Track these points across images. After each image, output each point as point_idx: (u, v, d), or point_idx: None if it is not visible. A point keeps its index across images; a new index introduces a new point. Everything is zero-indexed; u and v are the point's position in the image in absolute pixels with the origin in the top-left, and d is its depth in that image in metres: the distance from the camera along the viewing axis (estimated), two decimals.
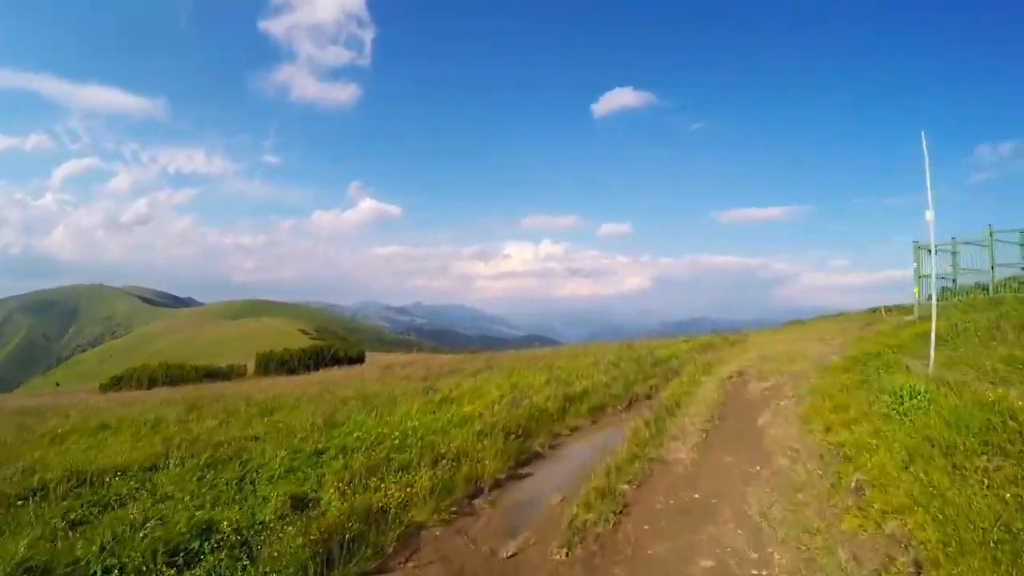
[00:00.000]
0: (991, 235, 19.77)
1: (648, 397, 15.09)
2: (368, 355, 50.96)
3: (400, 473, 8.32)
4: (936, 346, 10.61)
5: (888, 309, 27.25)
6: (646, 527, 6.93)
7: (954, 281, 21.05)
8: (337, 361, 36.34)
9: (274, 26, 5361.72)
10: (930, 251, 13.82)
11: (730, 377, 15.70)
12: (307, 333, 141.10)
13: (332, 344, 41.29)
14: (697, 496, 7.74)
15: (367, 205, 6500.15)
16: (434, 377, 22.23)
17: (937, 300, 12.66)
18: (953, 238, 20.75)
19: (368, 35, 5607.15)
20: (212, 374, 35.48)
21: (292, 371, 32.95)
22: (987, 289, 20.04)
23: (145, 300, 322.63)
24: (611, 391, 15.35)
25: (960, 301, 19.07)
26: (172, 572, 5.59)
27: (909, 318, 20.61)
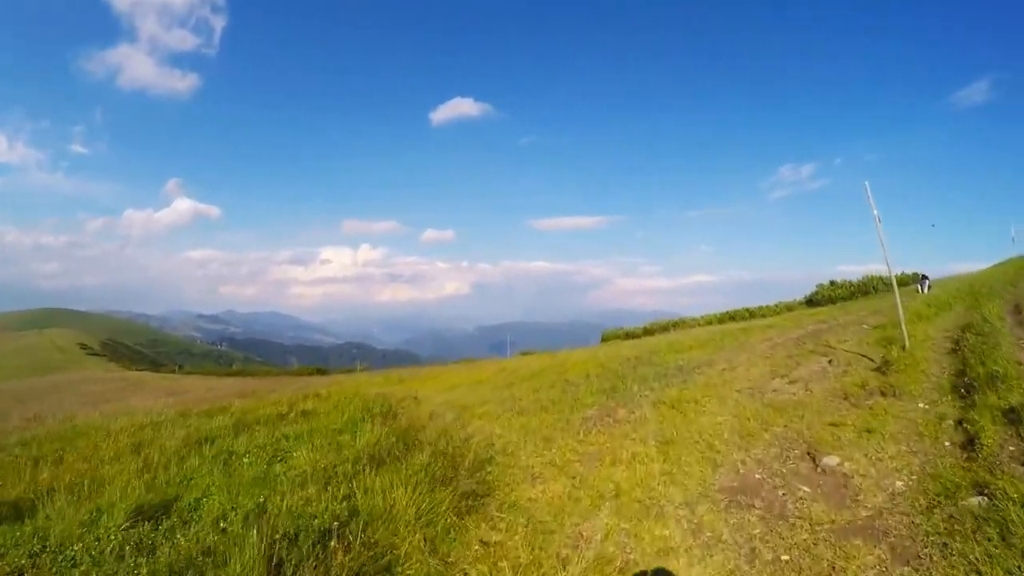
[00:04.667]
0: None
1: None
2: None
3: None
4: None
5: None
6: None
7: None
8: None
9: None
10: None
11: None
12: (86, 347, 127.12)
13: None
14: None
15: (184, 205, 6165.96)
16: None
17: None
18: None
19: (220, 22, 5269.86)
20: None
21: None
22: None
23: None
24: None
25: None
26: None
27: None
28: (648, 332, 39.91)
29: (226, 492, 7.72)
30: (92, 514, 7.01)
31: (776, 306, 39.53)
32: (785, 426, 9.06)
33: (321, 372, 70.41)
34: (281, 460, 9.24)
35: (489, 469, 8.37)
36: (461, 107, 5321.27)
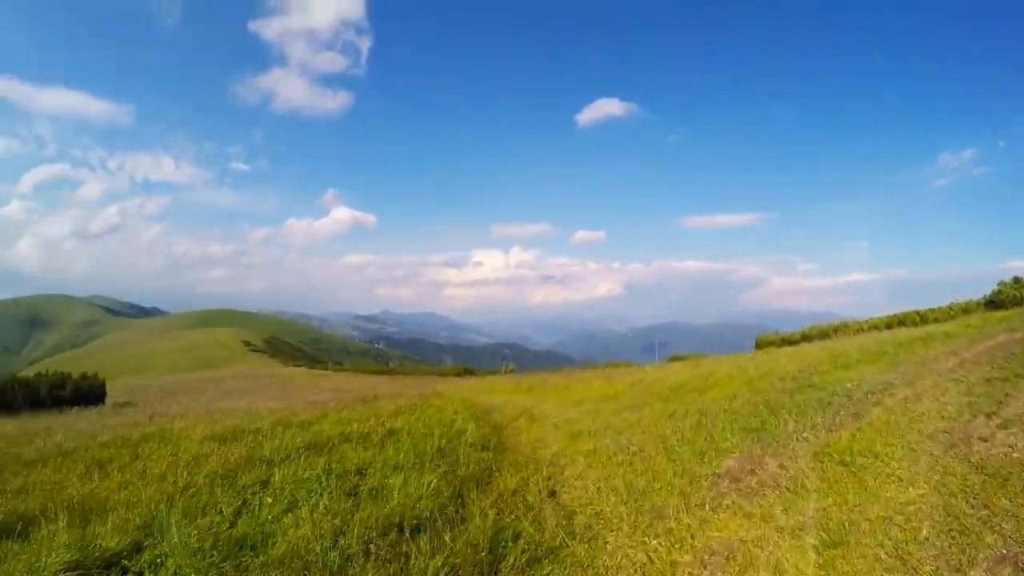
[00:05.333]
0: None
1: None
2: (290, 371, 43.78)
3: None
4: None
5: None
6: None
7: None
8: (78, 397, 26.32)
9: (266, 28, 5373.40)
10: None
11: None
12: (249, 344, 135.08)
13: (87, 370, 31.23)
14: None
15: (342, 214, 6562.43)
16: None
17: None
18: None
19: (365, 43, 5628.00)
20: None
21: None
22: None
23: (108, 310, 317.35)
24: None
25: None
26: None
27: None
28: (806, 338, 35.77)
29: (186, 556, 6.07)
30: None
31: (950, 308, 33.88)
32: (1015, 515, 5.43)
33: (469, 372, 70.24)
34: (290, 510, 7.43)
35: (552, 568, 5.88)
36: (607, 107, 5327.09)
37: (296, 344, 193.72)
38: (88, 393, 27.42)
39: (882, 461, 7.09)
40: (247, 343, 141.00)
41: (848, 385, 11.39)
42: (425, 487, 8.07)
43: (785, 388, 12.43)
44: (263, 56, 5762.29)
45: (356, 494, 8.09)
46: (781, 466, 7.52)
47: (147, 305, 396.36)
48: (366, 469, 9.45)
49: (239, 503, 7.88)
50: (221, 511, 7.52)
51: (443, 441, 11.77)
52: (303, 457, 10.35)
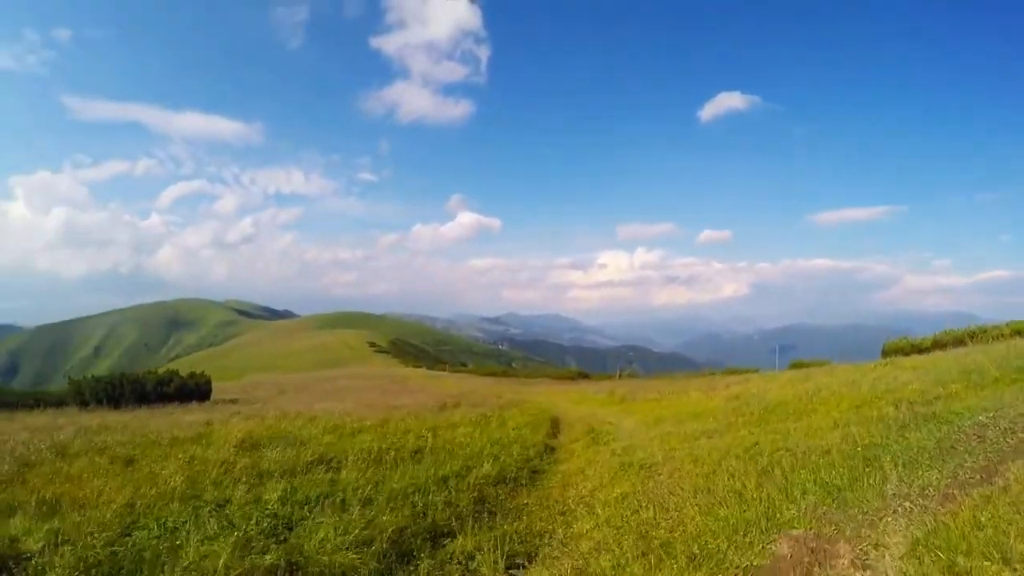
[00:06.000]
0: None
1: None
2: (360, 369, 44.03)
3: None
4: None
5: None
6: None
7: None
8: (183, 394, 26.44)
9: (387, 44, 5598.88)
10: None
11: None
12: (374, 345, 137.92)
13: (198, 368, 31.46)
14: None
15: (467, 218, 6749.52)
16: None
17: None
18: None
19: (484, 52, 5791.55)
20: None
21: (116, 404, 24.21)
22: None
23: (242, 313, 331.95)
24: None
25: None
26: None
27: None
28: (938, 344, 31.55)
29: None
30: None
31: None
32: None
33: (583, 375, 68.22)
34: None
35: None
36: (729, 101, 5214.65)
37: (420, 345, 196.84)
38: (194, 390, 27.64)
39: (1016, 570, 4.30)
40: (372, 344, 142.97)
41: (981, 418, 8.60)
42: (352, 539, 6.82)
43: (898, 419, 9.72)
44: (386, 70, 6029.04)
45: (275, 534, 7.18)
46: (858, 562, 4.95)
47: (279, 308, 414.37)
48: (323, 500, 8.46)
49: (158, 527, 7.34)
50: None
51: (460, 466, 10.89)
52: (305, 473, 10.26)
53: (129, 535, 7.02)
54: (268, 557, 6.29)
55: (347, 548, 6.58)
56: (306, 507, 8.19)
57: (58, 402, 24.16)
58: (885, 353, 35.44)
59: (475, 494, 9.30)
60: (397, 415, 18.30)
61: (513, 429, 15.85)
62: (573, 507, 8.59)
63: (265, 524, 7.37)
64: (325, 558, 6.30)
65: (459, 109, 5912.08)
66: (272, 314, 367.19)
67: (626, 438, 13.96)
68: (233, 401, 28.07)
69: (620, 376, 54.22)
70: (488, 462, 11.17)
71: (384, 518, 7.59)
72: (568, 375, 69.51)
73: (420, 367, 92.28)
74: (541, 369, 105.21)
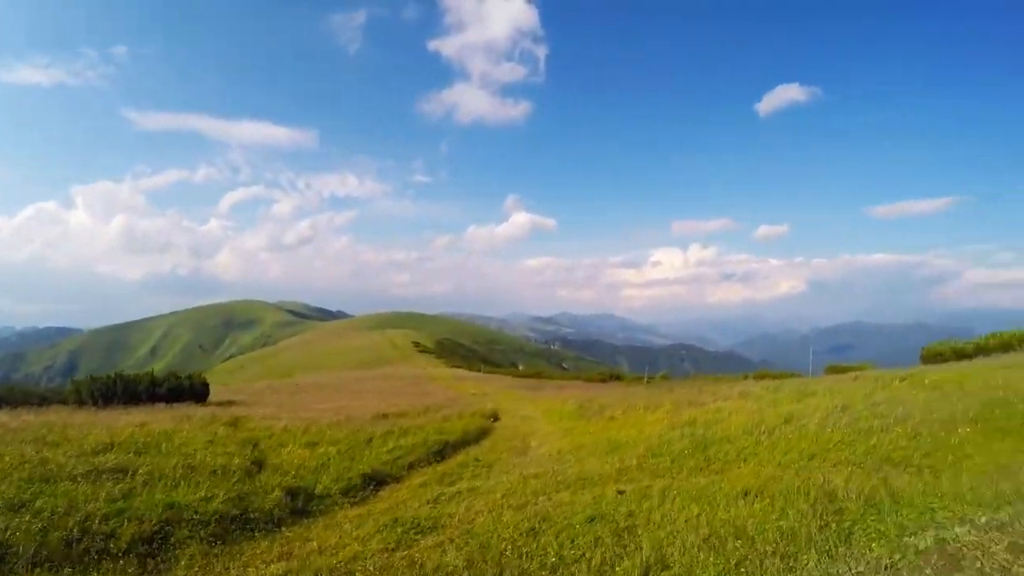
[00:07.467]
0: None
1: None
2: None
3: None
4: None
5: None
6: None
7: None
8: (175, 395, 26.48)
9: (445, 46, 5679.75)
10: None
11: None
12: (419, 345, 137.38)
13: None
14: None
15: (522, 218, 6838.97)
16: None
17: None
18: None
19: (543, 51, 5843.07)
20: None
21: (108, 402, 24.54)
22: None
23: (295, 314, 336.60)
24: None
25: None
26: None
27: None
28: (982, 349, 28.35)
29: None
30: None
31: None
32: None
33: (616, 377, 65.76)
34: None
35: None
36: (788, 93, 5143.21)
37: (470, 345, 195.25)
38: (187, 391, 27.45)
39: None
40: (416, 344, 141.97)
41: (966, 530, 5.67)
42: None
43: (830, 509, 6.82)
44: (444, 72, 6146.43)
45: None
46: None
47: (333, 309, 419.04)
48: None
49: None
50: None
51: None
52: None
53: None
54: None
55: None
56: None
57: (61, 400, 24.12)
58: (924, 359, 32.35)
59: None
60: (326, 423, 18.53)
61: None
62: None
63: None
64: None
65: (517, 109, 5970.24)
66: (326, 315, 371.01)
67: (494, 482, 11.95)
68: (228, 403, 27.64)
69: (648, 380, 51.67)
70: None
71: None
72: (600, 377, 67.30)
73: (460, 367, 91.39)
74: (587, 370, 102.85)
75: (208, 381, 30.87)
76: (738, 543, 6.25)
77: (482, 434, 20.46)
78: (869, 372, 26.69)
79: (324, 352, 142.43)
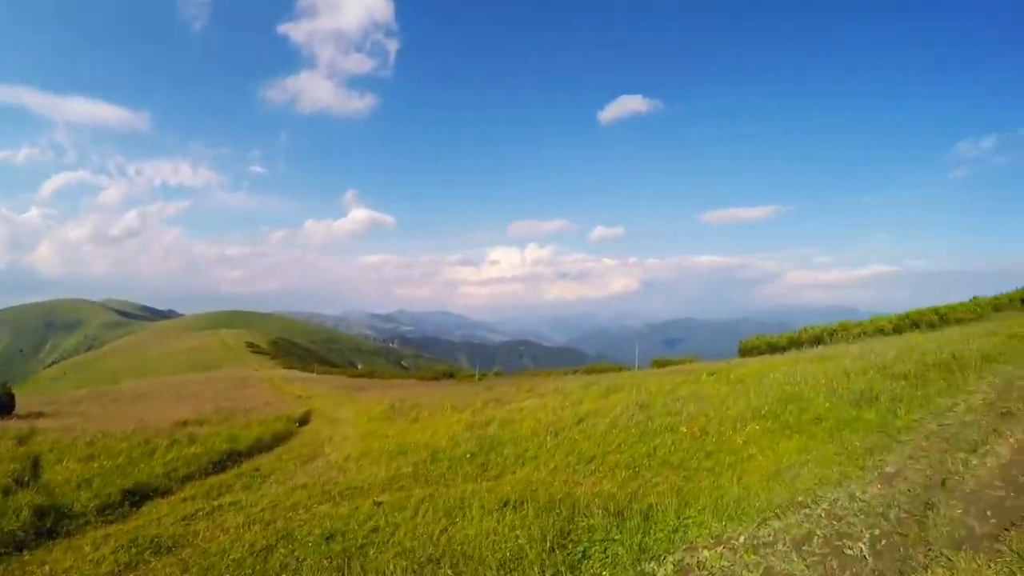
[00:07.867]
0: None
1: None
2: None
3: None
4: None
5: None
6: None
7: None
8: None
9: (295, 31, 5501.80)
10: None
11: None
12: (252, 346, 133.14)
13: None
14: None
15: (361, 214, 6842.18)
16: None
17: None
18: None
19: (394, 45, 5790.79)
20: None
21: None
22: None
23: (122, 314, 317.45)
24: None
25: None
26: None
27: None
28: (795, 343, 29.50)
29: None
30: None
31: (976, 305, 27.03)
32: None
33: (449, 375, 65.27)
34: None
35: None
36: (630, 104, 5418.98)
37: (306, 344, 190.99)
38: None
39: None
40: (250, 344, 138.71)
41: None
42: None
43: (604, 505, 6.23)
44: (292, 58, 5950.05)
45: None
46: None
47: (162, 308, 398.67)
48: None
49: None
50: None
51: None
52: None
53: None
54: None
55: None
56: None
57: None
58: (742, 352, 33.60)
59: None
60: (119, 434, 17.52)
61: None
62: None
63: None
64: None
65: (362, 103, 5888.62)
66: (155, 314, 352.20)
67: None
68: (37, 415, 25.84)
69: (480, 378, 51.73)
70: None
71: None
72: (432, 375, 67.32)
73: (295, 368, 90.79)
74: (420, 369, 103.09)
75: (14, 392, 28.43)
76: (465, 568, 5.63)
77: (279, 440, 19.37)
78: (690, 365, 27.38)
79: (154, 355, 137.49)
